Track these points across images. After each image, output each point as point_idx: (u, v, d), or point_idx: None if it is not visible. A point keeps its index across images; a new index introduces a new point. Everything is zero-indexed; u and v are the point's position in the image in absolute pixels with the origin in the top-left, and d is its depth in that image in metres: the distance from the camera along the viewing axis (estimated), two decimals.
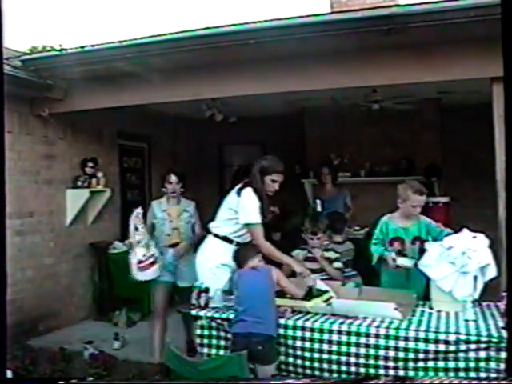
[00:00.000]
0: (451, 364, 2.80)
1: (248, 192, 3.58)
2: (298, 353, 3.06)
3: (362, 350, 2.93)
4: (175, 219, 4.45)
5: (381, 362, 2.89)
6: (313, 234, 4.06)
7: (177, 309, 4.36)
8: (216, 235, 3.69)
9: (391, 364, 2.87)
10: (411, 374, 2.84)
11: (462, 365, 2.78)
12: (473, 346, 2.76)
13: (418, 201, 3.62)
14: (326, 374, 2.99)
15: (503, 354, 2.67)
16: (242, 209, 3.56)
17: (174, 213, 4.46)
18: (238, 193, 3.62)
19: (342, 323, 3.03)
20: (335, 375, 2.96)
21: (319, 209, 5.77)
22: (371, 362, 2.91)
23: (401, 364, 2.86)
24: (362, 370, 2.92)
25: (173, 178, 4.44)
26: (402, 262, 3.57)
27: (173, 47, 4.34)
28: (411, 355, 2.84)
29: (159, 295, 4.47)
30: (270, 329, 3.02)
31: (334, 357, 2.97)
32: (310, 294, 3.38)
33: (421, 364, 2.84)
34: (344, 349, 2.96)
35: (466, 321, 2.99)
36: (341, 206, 5.89)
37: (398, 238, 3.70)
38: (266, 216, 3.65)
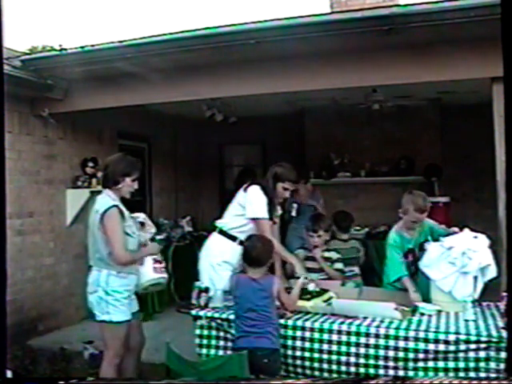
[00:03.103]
0: (451, 364, 2.80)
1: (255, 188, 3.62)
2: (298, 353, 3.06)
3: (362, 350, 2.93)
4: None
5: (381, 362, 2.89)
6: (313, 232, 4.08)
7: (177, 309, 4.35)
8: (221, 232, 3.70)
9: (391, 364, 2.88)
10: (411, 373, 2.84)
11: (461, 365, 2.78)
12: (473, 346, 2.76)
13: (417, 218, 3.56)
14: (326, 374, 2.99)
15: (503, 354, 2.67)
16: (248, 203, 3.59)
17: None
18: (246, 189, 3.67)
19: (341, 323, 3.03)
20: (335, 375, 2.97)
21: (294, 214, 5.70)
22: (371, 361, 2.91)
23: (401, 364, 2.87)
24: (362, 369, 2.93)
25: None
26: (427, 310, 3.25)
27: (172, 47, 4.34)
28: (411, 355, 2.85)
29: (125, 335, 3.36)
30: (275, 342, 3.01)
31: (334, 357, 2.98)
32: (310, 294, 3.39)
33: (421, 364, 2.84)
34: (344, 349, 2.96)
35: (466, 321, 2.99)
36: (313, 210, 5.76)
37: (410, 250, 3.65)
38: (273, 218, 3.66)
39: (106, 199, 3.32)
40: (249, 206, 3.58)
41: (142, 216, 3.68)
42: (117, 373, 3.39)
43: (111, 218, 3.24)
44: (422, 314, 3.17)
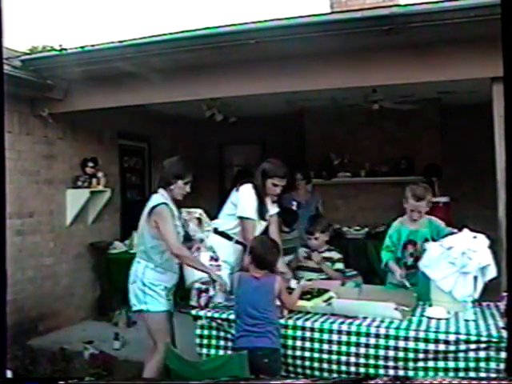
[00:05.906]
0: (451, 364, 2.80)
1: (247, 187, 3.63)
2: (298, 353, 3.05)
3: (362, 350, 2.93)
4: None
5: (381, 362, 2.89)
6: (310, 235, 4.07)
7: (177, 309, 4.35)
8: (216, 231, 3.70)
9: (391, 364, 2.87)
10: (411, 373, 2.84)
11: (461, 365, 2.78)
12: (473, 346, 2.76)
13: (413, 206, 3.61)
14: (326, 374, 2.99)
15: (503, 354, 2.67)
16: (239, 202, 3.62)
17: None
18: (238, 188, 3.68)
19: (341, 323, 3.03)
20: (335, 375, 2.96)
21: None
22: (371, 361, 2.91)
23: (401, 364, 2.86)
24: (362, 369, 2.92)
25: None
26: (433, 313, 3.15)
27: (173, 47, 4.34)
28: (411, 355, 2.84)
29: (166, 325, 3.44)
30: (275, 341, 3.00)
31: (334, 357, 2.97)
32: (310, 294, 3.39)
33: (421, 364, 2.84)
34: (344, 348, 2.96)
35: (466, 321, 2.99)
36: (313, 210, 5.78)
37: (411, 241, 3.68)
38: (265, 217, 3.66)
39: (158, 197, 3.45)
40: (239, 204, 3.62)
41: (198, 211, 3.75)
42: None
43: (162, 214, 3.34)
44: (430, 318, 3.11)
